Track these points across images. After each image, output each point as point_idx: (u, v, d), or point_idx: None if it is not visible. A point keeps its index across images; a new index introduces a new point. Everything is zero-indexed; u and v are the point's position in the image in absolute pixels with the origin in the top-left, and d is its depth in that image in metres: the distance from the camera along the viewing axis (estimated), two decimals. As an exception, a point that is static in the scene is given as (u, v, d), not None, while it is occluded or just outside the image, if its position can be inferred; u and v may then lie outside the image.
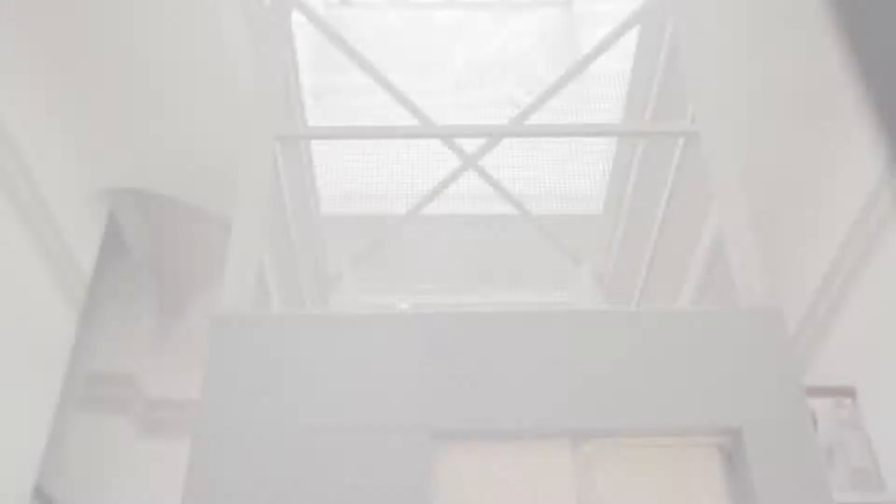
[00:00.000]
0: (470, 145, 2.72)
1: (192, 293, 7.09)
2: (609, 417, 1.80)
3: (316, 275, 2.99)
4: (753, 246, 2.04)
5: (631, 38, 2.90)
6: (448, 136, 2.55)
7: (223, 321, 1.94)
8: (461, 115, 3.05)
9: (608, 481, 1.80)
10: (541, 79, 3.10)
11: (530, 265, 2.79)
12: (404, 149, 2.93)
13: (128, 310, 6.87)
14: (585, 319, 1.95)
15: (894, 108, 0.66)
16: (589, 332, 1.91)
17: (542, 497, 1.76)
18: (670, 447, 1.83)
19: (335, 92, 3.32)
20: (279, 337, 1.91)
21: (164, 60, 4.66)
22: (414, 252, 2.84)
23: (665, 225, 2.71)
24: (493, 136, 2.62)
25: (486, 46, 3.40)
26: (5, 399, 4.56)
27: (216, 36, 3.65)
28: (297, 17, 2.77)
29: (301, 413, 1.81)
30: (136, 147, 5.26)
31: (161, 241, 6.74)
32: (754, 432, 1.76)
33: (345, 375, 1.85)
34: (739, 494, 1.78)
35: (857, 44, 0.68)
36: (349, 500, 1.71)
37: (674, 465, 1.81)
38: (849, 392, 4.28)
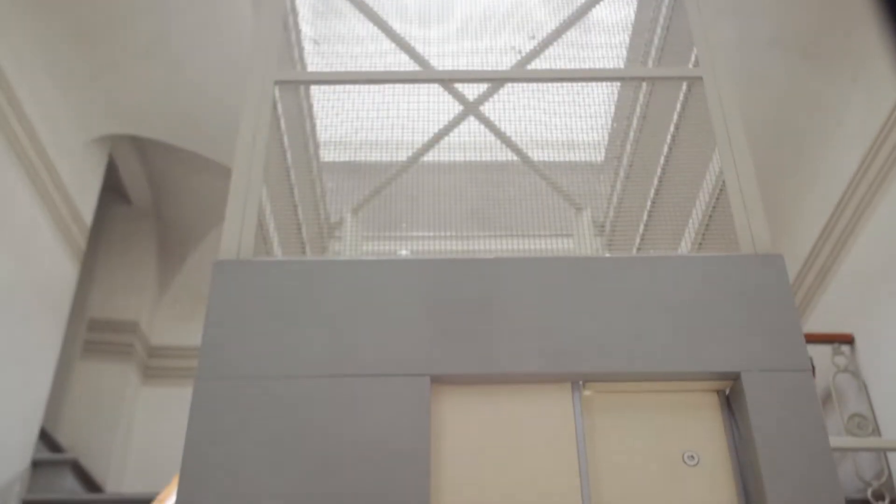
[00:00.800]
0: (471, 93, 2.70)
1: (193, 241, 7.09)
2: (609, 362, 1.82)
3: (316, 222, 2.98)
4: (755, 192, 2.03)
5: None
6: (448, 80, 2.53)
7: (224, 267, 1.94)
8: (462, 62, 3.02)
9: (608, 425, 1.82)
10: (543, 24, 3.06)
11: (531, 213, 2.78)
12: (404, 96, 2.90)
13: (129, 258, 6.88)
14: (586, 265, 1.95)
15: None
16: (589, 278, 1.92)
17: (542, 440, 1.78)
18: (670, 392, 1.84)
19: (335, 40, 3.28)
20: (280, 282, 1.91)
21: (163, 5, 4.60)
22: (414, 200, 2.83)
23: (666, 173, 2.70)
24: (495, 81, 2.60)
25: (487, -7, 3.35)
26: (10, 346, 4.59)
27: (214, -20, 3.60)
28: (295, -39, 2.73)
29: (301, 358, 1.82)
30: (135, 93, 5.22)
31: (161, 188, 6.73)
32: (753, 378, 1.78)
33: (345, 321, 1.86)
34: (738, 438, 1.80)
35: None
36: (350, 444, 1.73)
37: (673, 409, 1.83)
38: (847, 339, 4.31)
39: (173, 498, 3.12)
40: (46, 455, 5.28)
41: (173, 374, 6.95)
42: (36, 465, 5.05)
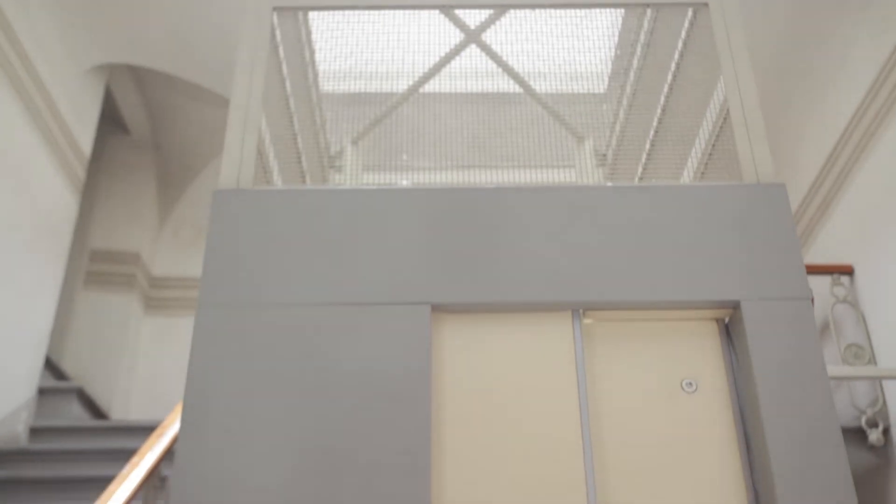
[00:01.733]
0: (473, 21, 2.66)
1: (192, 172, 7.07)
2: (610, 291, 1.82)
3: (316, 153, 2.97)
4: (759, 121, 2.01)
5: None
6: (450, 6, 2.49)
7: (224, 196, 1.94)
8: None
9: (608, 352, 1.83)
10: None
11: (532, 144, 2.76)
12: (405, 23, 2.86)
13: (129, 189, 6.86)
14: (587, 194, 1.95)
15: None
16: (590, 207, 1.91)
17: (542, 368, 1.80)
18: (670, 320, 1.85)
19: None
20: (280, 211, 1.91)
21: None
22: (415, 131, 2.81)
23: (670, 102, 2.67)
24: (497, 7, 2.56)
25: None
26: (13, 277, 4.61)
27: None
28: None
29: (302, 286, 1.82)
30: (131, 21, 5.14)
31: (160, 119, 6.68)
32: (753, 306, 1.78)
33: (346, 249, 1.86)
34: (736, 366, 1.82)
35: None
36: (350, 371, 1.74)
37: (673, 337, 1.85)
38: (847, 270, 4.33)
39: (177, 425, 3.18)
40: (52, 383, 5.35)
41: (175, 304, 7.00)
42: (42, 392, 5.12)
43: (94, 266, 6.61)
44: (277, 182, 2.39)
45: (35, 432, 4.92)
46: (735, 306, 1.81)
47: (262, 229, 1.89)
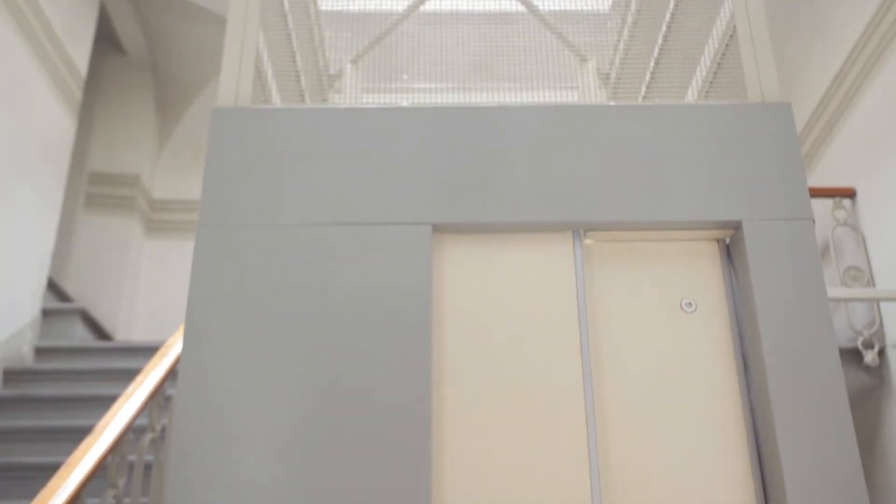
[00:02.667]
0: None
1: (191, 93, 6.99)
2: (611, 211, 1.82)
3: (315, 72, 2.93)
4: (766, 39, 1.97)
5: None
6: (451, -79, 2.42)
7: (222, 115, 1.91)
8: None
9: (608, 273, 1.84)
10: None
11: (535, 64, 2.72)
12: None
13: (128, 110, 6.80)
14: (589, 113, 1.92)
15: None
16: (592, 127, 1.89)
17: (542, 288, 1.80)
18: (671, 241, 1.85)
19: None
20: (280, 130, 1.89)
21: None
22: (415, 50, 2.76)
23: (675, 20, 2.62)
24: (499, -78, 2.49)
25: None
26: (12, 199, 4.60)
27: None
28: None
29: (302, 206, 1.82)
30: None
31: (156, 39, 6.57)
32: (754, 226, 1.78)
33: (346, 168, 1.85)
34: (736, 286, 1.82)
35: None
36: (350, 293, 1.75)
37: (673, 258, 1.85)
38: (848, 193, 4.32)
39: (180, 345, 3.21)
40: (55, 304, 5.39)
41: (176, 226, 7.00)
42: (46, 313, 5.16)
43: (93, 188, 6.60)
44: (276, 101, 2.36)
45: (40, 352, 4.98)
46: (736, 227, 1.81)
47: (262, 148, 1.87)
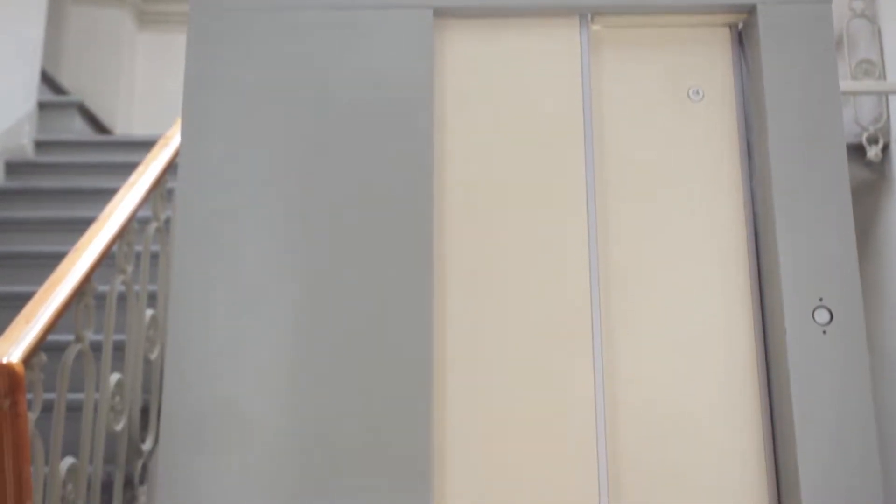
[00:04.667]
0: None
1: None
2: (621, -8, 1.74)
3: None
4: None
5: None
6: None
7: None
8: None
9: (615, 59, 1.78)
10: None
11: None
12: None
13: None
14: None
15: None
16: None
17: (546, 76, 1.76)
18: (681, 26, 1.79)
19: None
20: None
21: None
22: None
23: None
24: None
25: None
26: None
27: None
28: None
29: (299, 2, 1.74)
30: None
31: None
32: (769, 9, 1.71)
33: (344, -53, 1.76)
34: (746, 74, 1.78)
35: None
36: (350, 79, 1.71)
37: (683, 45, 1.79)
38: (868, -18, 4.14)
39: (178, 138, 3.19)
40: (52, 97, 5.32)
41: (171, 18, 6.80)
42: (42, 106, 5.10)
43: (81, -24, 6.34)
44: None
45: (40, 146, 4.97)
46: (750, 10, 1.73)
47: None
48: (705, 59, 1.78)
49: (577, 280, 1.66)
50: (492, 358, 1.65)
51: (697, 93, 1.76)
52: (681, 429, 1.63)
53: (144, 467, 3.35)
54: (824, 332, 1.60)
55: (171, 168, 3.44)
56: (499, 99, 1.75)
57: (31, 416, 2.49)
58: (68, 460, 2.82)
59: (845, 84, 3.88)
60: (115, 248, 3.01)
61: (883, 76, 4.02)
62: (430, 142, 1.67)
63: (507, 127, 1.73)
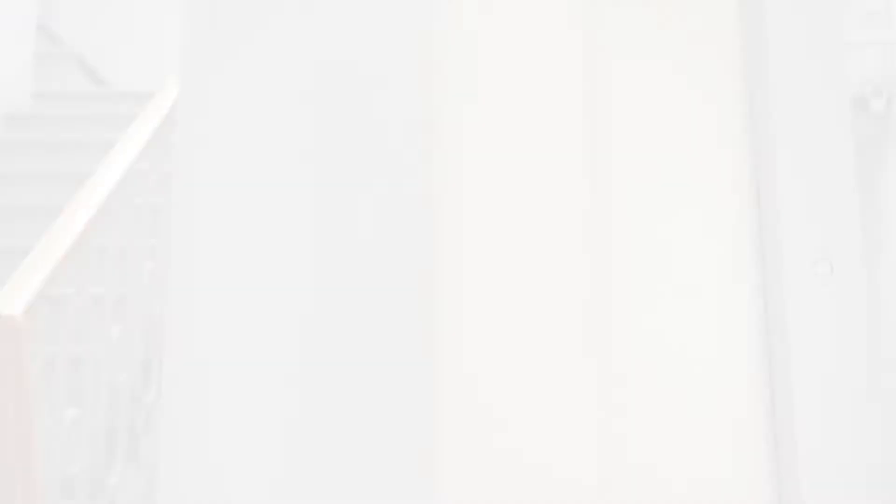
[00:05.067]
0: None
1: None
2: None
3: None
4: None
5: None
6: None
7: None
8: None
9: (618, 27, 1.76)
10: None
11: None
12: None
13: None
14: None
15: None
16: None
17: (544, 47, 1.74)
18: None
19: None
20: None
21: None
22: None
23: None
24: None
25: None
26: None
27: None
28: None
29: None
30: None
31: None
32: (775, -44, 1.68)
33: None
34: (752, 32, 1.75)
35: None
36: (347, 44, 1.69)
37: (689, 8, 1.76)
38: (877, -72, 4.07)
39: (177, 90, 3.15)
40: (49, 48, 5.27)
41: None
42: (40, 58, 5.06)
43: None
44: None
45: (38, 97, 4.93)
46: (756, -42, 1.70)
47: None
48: (710, 21, 1.76)
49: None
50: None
51: (700, 38, 1.73)
52: (681, 384, 1.64)
53: (146, 420, 3.37)
54: (824, 283, 1.60)
55: (170, 119, 3.41)
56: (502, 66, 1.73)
57: (34, 368, 2.50)
58: (71, 411, 2.83)
59: (854, 35, 3.83)
60: (114, 200, 2.99)
61: (889, 24, 3.96)
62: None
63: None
